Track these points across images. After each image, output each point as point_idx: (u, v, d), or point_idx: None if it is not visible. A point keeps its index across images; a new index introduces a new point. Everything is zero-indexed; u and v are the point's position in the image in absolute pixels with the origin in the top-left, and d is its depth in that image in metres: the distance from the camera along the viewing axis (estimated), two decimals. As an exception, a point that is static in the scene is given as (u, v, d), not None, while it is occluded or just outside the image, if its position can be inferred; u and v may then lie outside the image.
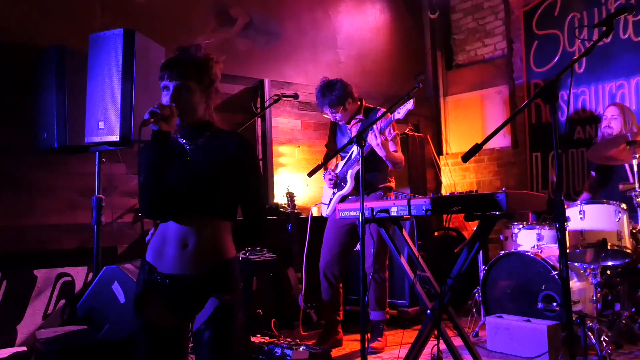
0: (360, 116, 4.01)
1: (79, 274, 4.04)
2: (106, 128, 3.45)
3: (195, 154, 1.99)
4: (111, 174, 4.15)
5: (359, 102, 4.07)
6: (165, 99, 1.96)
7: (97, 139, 3.48)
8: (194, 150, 2.00)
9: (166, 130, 1.90)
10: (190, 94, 1.95)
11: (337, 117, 4.01)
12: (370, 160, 3.89)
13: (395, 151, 3.90)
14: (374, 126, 3.77)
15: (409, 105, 3.55)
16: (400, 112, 3.60)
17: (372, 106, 4.05)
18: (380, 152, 3.73)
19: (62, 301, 3.95)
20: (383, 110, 3.87)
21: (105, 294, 3.17)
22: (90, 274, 3.99)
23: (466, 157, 2.00)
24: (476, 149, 1.99)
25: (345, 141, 3.66)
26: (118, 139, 3.39)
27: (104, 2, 4.35)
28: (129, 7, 4.48)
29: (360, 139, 2.70)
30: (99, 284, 3.25)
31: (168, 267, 1.92)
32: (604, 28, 2.16)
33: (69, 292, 3.98)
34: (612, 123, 4.29)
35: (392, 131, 3.94)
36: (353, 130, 4.02)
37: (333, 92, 3.90)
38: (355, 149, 3.94)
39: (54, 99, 3.66)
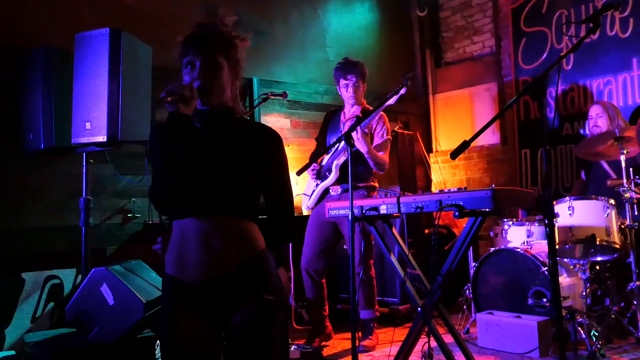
0: (358, 113, 4.01)
1: (67, 277, 4.02)
2: (93, 129, 3.41)
3: (217, 143, 1.78)
4: (99, 175, 4.12)
5: (364, 100, 4.08)
6: (187, 77, 1.75)
7: (84, 140, 3.44)
8: (216, 139, 1.78)
9: (184, 114, 1.69)
10: (219, 70, 1.75)
11: (350, 91, 4.00)
12: (356, 156, 3.89)
13: (381, 152, 3.90)
14: (367, 122, 3.78)
15: (401, 90, 3.58)
16: (393, 99, 3.62)
17: (371, 108, 4.01)
18: (361, 148, 3.73)
19: (51, 304, 3.92)
20: (381, 113, 3.86)
21: (94, 296, 3.15)
22: (79, 276, 3.96)
23: (455, 154, 1.99)
24: (464, 145, 1.98)
25: (338, 135, 3.67)
26: (105, 140, 3.36)
27: (91, 1, 4.31)
28: (116, 7, 4.44)
29: (349, 137, 2.70)
30: (87, 287, 3.22)
31: (193, 274, 1.71)
32: (591, 24, 2.16)
33: (58, 294, 3.95)
34: (598, 122, 4.33)
35: (384, 135, 3.94)
36: (347, 124, 4.02)
37: (358, 66, 4.00)
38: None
39: (40, 99, 3.62)
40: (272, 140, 1.83)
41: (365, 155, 3.80)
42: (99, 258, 4.05)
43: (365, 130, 3.80)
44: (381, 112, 3.88)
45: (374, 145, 3.89)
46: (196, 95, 1.72)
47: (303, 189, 5.28)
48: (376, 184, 4.08)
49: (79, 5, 4.27)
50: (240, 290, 1.72)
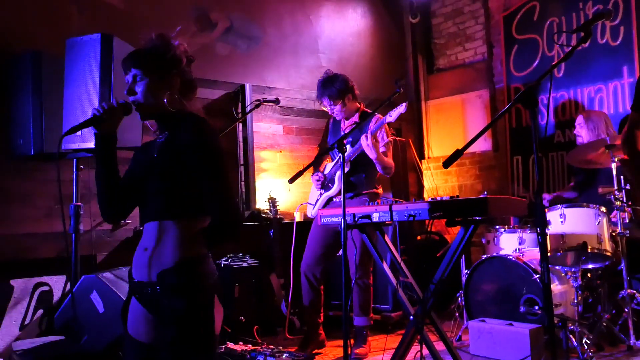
0: (357, 119, 3.99)
1: (57, 283, 3.97)
2: (84, 135, 3.39)
3: (157, 150, 1.89)
4: (89, 181, 4.08)
5: (358, 104, 4.06)
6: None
7: (75, 146, 3.43)
8: (158, 146, 1.90)
9: (105, 134, 1.87)
10: (143, 83, 1.84)
11: (334, 111, 3.98)
12: (358, 163, 3.89)
13: (386, 155, 3.90)
14: (367, 127, 3.76)
15: (401, 108, 3.58)
16: (392, 115, 3.62)
17: (369, 111, 3.95)
18: (371, 154, 3.72)
19: (40, 311, 3.88)
20: (378, 115, 3.85)
21: (83, 304, 3.13)
22: (69, 283, 3.92)
23: (447, 163, 1.99)
24: (457, 155, 1.98)
25: None
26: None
27: (81, 6, 4.28)
28: (107, 12, 4.43)
29: (341, 144, 2.69)
30: (77, 294, 3.20)
31: (135, 273, 1.86)
32: (582, 34, 2.17)
33: (47, 301, 3.91)
34: (580, 132, 4.39)
35: (385, 137, 3.94)
36: (347, 131, 4.01)
37: (334, 84, 3.89)
38: (347, 149, 3.93)
39: (30, 105, 3.61)
40: (198, 132, 1.82)
41: (374, 162, 3.79)
42: (89, 264, 4.02)
43: (372, 138, 3.75)
44: (379, 116, 3.87)
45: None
46: (121, 110, 1.88)
47: (295, 195, 5.29)
48: (380, 191, 4.06)
49: (69, 10, 4.25)
50: (163, 294, 1.77)
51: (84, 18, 4.28)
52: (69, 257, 3.56)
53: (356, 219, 3.00)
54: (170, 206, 1.82)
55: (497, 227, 4.32)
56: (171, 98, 1.87)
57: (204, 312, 1.78)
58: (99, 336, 2.98)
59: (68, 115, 3.46)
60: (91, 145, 3.36)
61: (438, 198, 2.74)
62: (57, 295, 3.96)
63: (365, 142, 3.68)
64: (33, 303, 3.87)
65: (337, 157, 3.99)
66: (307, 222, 4.28)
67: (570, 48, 2.13)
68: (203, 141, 1.81)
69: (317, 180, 4.04)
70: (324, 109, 4.05)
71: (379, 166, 3.84)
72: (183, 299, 1.75)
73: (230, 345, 3.71)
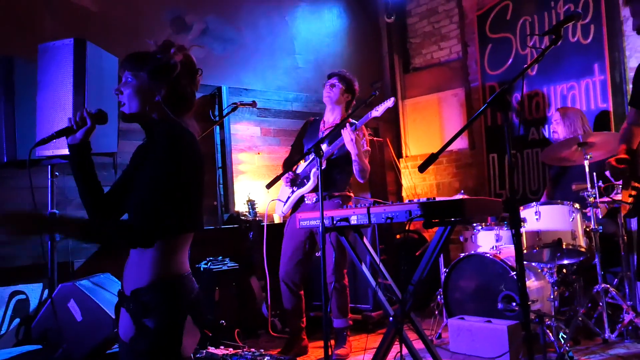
0: (337, 121, 4.00)
1: (33, 291, 3.91)
2: (58, 141, 3.31)
3: (131, 158, 1.91)
4: (65, 187, 4.04)
5: (345, 110, 4.08)
6: None
7: (49, 153, 3.38)
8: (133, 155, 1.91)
9: (75, 143, 1.88)
10: (131, 85, 1.83)
11: (330, 93, 4.01)
12: (334, 163, 3.90)
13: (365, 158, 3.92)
14: (348, 124, 3.76)
15: (389, 103, 3.63)
16: (379, 110, 3.65)
17: (352, 121, 3.88)
18: (352, 149, 3.73)
19: (17, 320, 3.82)
20: (359, 123, 3.85)
21: (61, 312, 3.09)
22: (46, 291, 3.87)
23: (422, 168, 2.01)
24: (432, 159, 2.01)
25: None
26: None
27: (53, 11, 4.22)
28: (80, 16, 4.37)
29: (318, 149, 2.70)
30: (54, 303, 3.16)
31: (123, 282, 1.85)
32: (554, 36, 2.21)
33: (24, 310, 3.85)
34: (556, 128, 4.48)
35: (365, 145, 3.95)
36: (326, 133, 4.01)
37: (346, 76, 4.04)
38: (322, 147, 3.92)
39: (2, 111, 3.55)
40: (156, 138, 1.78)
41: (354, 158, 3.80)
42: (67, 272, 3.97)
43: (356, 134, 3.77)
44: (362, 125, 3.89)
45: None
46: (90, 119, 1.87)
47: (275, 197, 5.26)
48: (351, 194, 4.08)
49: (41, 14, 4.19)
50: (136, 312, 1.74)
51: (57, 22, 4.22)
52: (46, 265, 3.52)
53: (334, 221, 3.01)
54: (140, 235, 1.75)
55: (475, 224, 4.37)
56: (153, 104, 1.82)
57: (170, 334, 1.74)
58: (77, 345, 2.96)
59: (41, 121, 3.41)
60: (66, 152, 3.31)
61: (415, 200, 2.77)
62: (33, 303, 3.90)
63: (348, 136, 3.69)
64: (9, 312, 3.81)
65: (312, 156, 3.97)
66: (282, 225, 4.26)
67: (542, 49, 2.17)
68: (156, 148, 1.75)
69: (287, 178, 4.02)
70: (325, 89, 4.05)
71: (357, 166, 3.84)
72: (151, 319, 1.72)
73: (212, 349, 3.70)
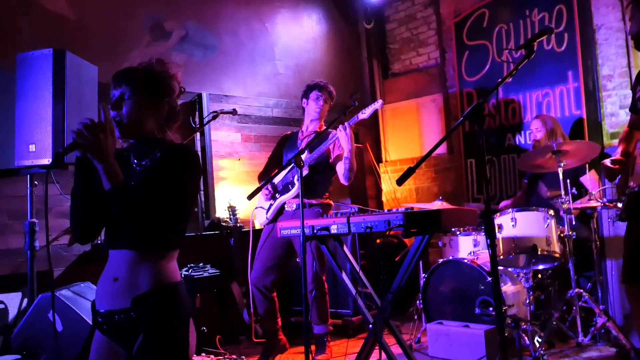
0: (317, 129, 4.04)
1: (12, 301, 3.89)
2: (38, 151, 3.35)
3: (138, 176, 1.84)
4: (45, 196, 4.01)
5: (324, 123, 4.14)
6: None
7: (29, 163, 3.38)
8: (138, 172, 1.85)
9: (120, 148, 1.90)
10: (132, 103, 1.81)
11: (317, 103, 4.07)
12: (314, 170, 3.94)
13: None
14: (330, 136, 3.83)
15: (377, 105, 3.69)
16: (366, 112, 3.70)
17: (327, 129, 3.99)
18: (347, 145, 3.77)
19: (-5, 330, 3.80)
20: (333, 132, 3.88)
21: (41, 322, 3.08)
22: (25, 300, 3.84)
23: (400, 181, 2.07)
24: (409, 172, 2.06)
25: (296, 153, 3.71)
26: (50, 162, 3.29)
27: (31, 20, 4.20)
28: (59, 24, 4.35)
29: (298, 159, 2.74)
30: (34, 312, 3.16)
31: (100, 304, 1.81)
32: (526, 51, 2.28)
33: (3, 320, 3.82)
34: (537, 135, 4.58)
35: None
36: (305, 141, 4.04)
37: (329, 85, 4.14)
38: (302, 156, 3.94)
39: (-20, 121, 3.52)
40: (170, 157, 1.82)
41: (346, 155, 3.83)
42: (46, 281, 3.94)
43: (349, 128, 3.81)
44: (333, 132, 3.92)
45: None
46: (108, 129, 1.76)
47: (256, 203, 5.27)
48: (331, 203, 4.12)
49: (19, 23, 4.16)
50: (135, 325, 1.75)
51: (35, 31, 4.20)
52: (25, 274, 3.50)
53: (315, 231, 3.05)
54: (146, 240, 1.79)
55: (454, 229, 4.45)
56: (157, 125, 1.88)
57: (180, 337, 1.79)
58: (57, 356, 2.95)
59: (20, 130, 3.41)
60: (45, 162, 3.32)
61: (394, 210, 2.82)
62: (12, 313, 3.88)
63: (343, 133, 3.74)
64: (-12, 322, 3.78)
65: (291, 164, 4.01)
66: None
67: (514, 64, 2.24)
68: (169, 164, 1.80)
69: (266, 192, 4.06)
70: (310, 99, 4.09)
71: (347, 164, 3.86)
72: (160, 323, 1.75)
73: (194, 357, 3.71)
